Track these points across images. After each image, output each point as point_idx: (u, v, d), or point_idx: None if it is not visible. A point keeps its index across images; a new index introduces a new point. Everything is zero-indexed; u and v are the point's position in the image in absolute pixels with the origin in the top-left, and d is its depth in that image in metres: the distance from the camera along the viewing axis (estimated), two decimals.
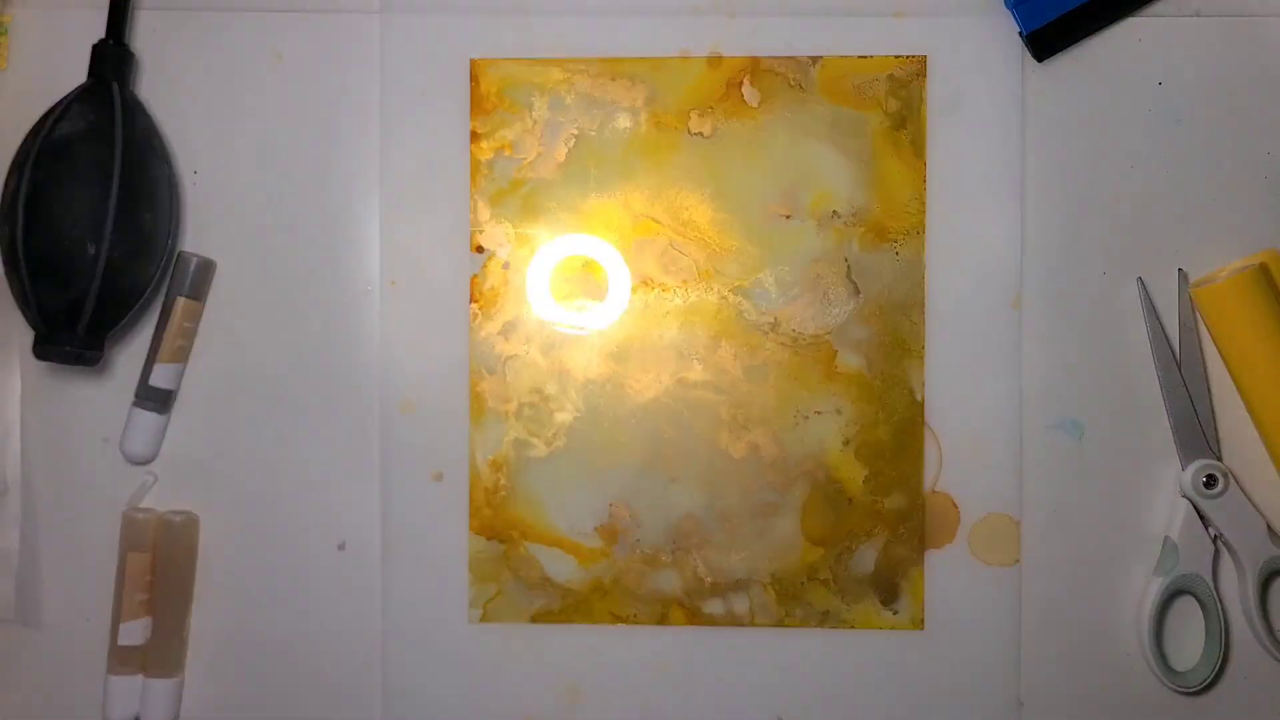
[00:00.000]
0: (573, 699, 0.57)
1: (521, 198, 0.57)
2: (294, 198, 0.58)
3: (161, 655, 0.56)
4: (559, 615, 0.56)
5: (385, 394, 0.57)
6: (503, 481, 0.57)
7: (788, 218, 0.56)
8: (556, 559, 0.57)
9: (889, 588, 0.56)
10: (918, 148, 0.55)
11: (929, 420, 0.55)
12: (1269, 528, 0.54)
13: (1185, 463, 0.55)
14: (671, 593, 0.56)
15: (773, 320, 0.56)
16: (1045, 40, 0.56)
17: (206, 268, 0.57)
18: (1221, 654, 0.55)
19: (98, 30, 0.56)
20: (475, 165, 0.57)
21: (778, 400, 0.56)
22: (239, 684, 0.57)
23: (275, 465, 0.57)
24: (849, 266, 0.56)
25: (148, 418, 0.57)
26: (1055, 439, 0.56)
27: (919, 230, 0.55)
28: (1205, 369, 0.55)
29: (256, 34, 0.58)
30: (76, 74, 0.55)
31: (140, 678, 0.56)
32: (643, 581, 0.56)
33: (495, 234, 0.57)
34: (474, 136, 0.56)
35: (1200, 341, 0.55)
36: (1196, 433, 0.55)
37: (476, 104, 0.56)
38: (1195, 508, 0.55)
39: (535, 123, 0.57)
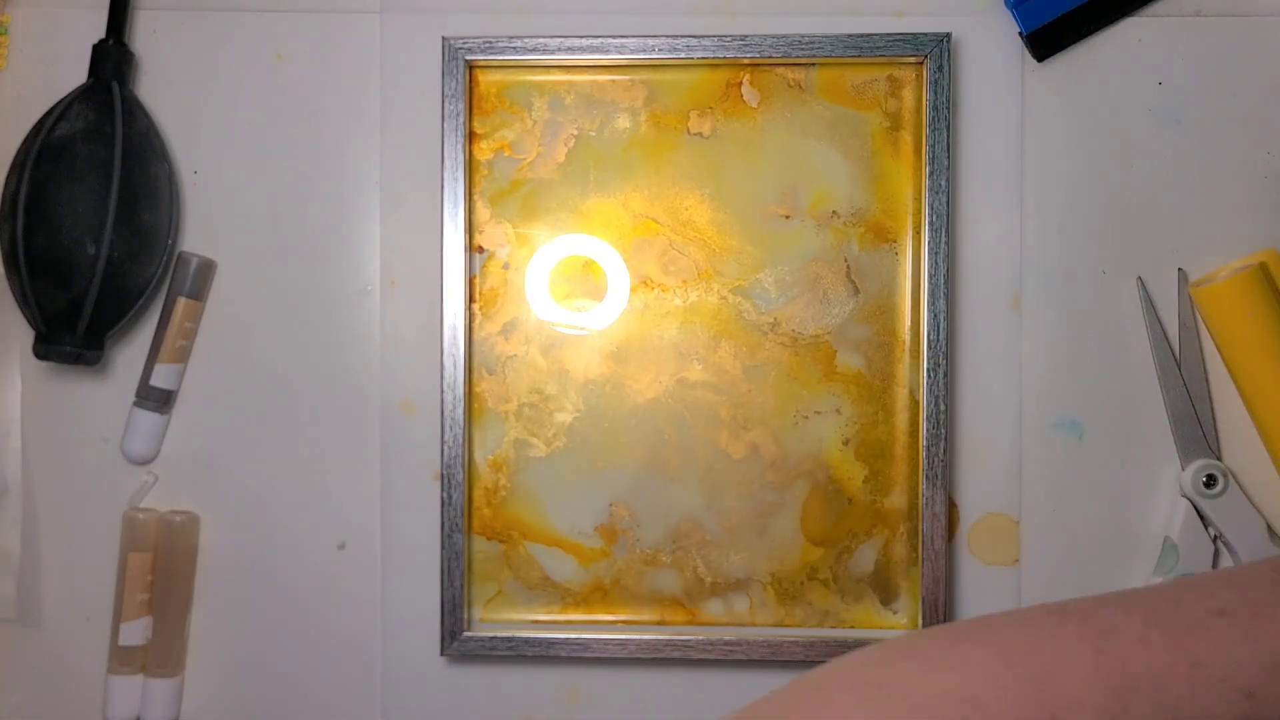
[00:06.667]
0: (573, 699, 0.57)
1: (521, 198, 0.57)
2: (294, 198, 0.58)
3: (161, 655, 0.56)
4: (559, 615, 0.56)
5: (385, 394, 0.57)
6: (503, 481, 0.57)
7: (787, 218, 0.56)
8: (556, 559, 0.57)
9: (888, 588, 0.56)
10: (917, 148, 0.55)
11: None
12: (1269, 528, 0.54)
13: (1185, 463, 0.55)
14: (671, 593, 0.56)
15: (772, 320, 0.56)
16: (1045, 40, 0.56)
17: (206, 268, 0.57)
18: None
19: (98, 30, 0.56)
20: (475, 165, 0.57)
21: (778, 400, 0.56)
22: (239, 684, 0.58)
23: (275, 465, 0.57)
24: (848, 266, 0.56)
25: (148, 418, 0.57)
26: (1055, 439, 0.56)
27: (918, 230, 0.55)
28: (1205, 369, 0.55)
29: (256, 34, 0.58)
30: (76, 74, 0.55)
31: (140, 678, 0.56)
32: (643, 581, 0.56)
33: (495, 234, 0.57)
34: (474, 136, 0.56)
35: (1200, 341, 0.55)
36: (1196, 433, 0.55)
37: (476, 104, 0.56)
38: (1195, 508, 0.55)
39: (535, 123, 0.57)
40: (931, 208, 0.54)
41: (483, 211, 0.57)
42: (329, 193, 0.58)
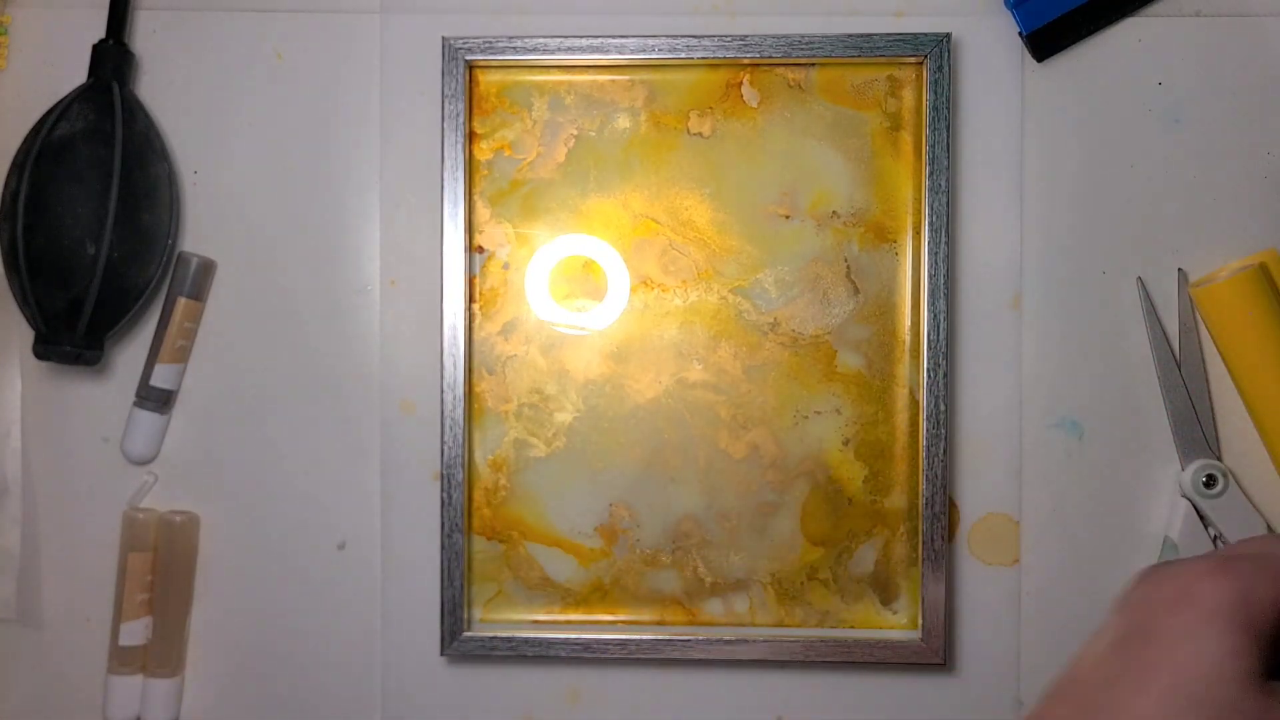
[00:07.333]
0: (573, 699, 0.57)
1: (521, 198, 0.57)
2: (294, 198, 0.58)
3: (161, 655, 0.56)
4: (559, 615, 0.56)
5: (385, 394, 0.57)
6: (503, 481, 0.57)
7: (787, 218, 0.56)
8: (556, 559, 0.57)
9: (888, 588, 0.56)
10: (917, 148, 0.55)
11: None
12: (1269, 528, 0.54)
13: (1185, 463, 0.55)
14: (671, 593, 0.56)
15: (772, 320, 0.56)
16: (1045, 40, 0.56)
17: (206, 268, 0.57)
18: None
19: (98, 30, 0.56)
20: (475, 165, 0.57)
21: (777, 400, 0.56)
22: (239, 684, 0.58)
23: (275, 465, 0.57)
24: (848, 266, 0.56)
25: (148, 418, 0.57)
26: (1055, 439, 0.56)
27: (918, 230, 0.55)
28: (1205, 369, 0.55)
29: (256, 34, 0.58)
30: (76, 74, 0.56)
31: (140, 678, 0.56)
32: (643, 581, 0.56)
33: (495, 234, 0.57)
34: (474, 136, 0.56)
35: (1200, 341, 0.55)
36: (1196, 433, 0.55)
37: (476, 104, 0.56)
38: (1195, 508, 0.55)
39: (535, 123, 0.57)
40: (931, 208, 0.54)
41: (483, 211, 0.57)
42: (329, 193, 0.58)
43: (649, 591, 0.56)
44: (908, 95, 0.56)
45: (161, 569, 0.56)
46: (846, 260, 0.56)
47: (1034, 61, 0.56)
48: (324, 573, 0.57)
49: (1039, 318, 0.56)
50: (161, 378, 0.57)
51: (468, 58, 0.55)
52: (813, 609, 0.56)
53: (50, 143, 0.53)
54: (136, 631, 0.56)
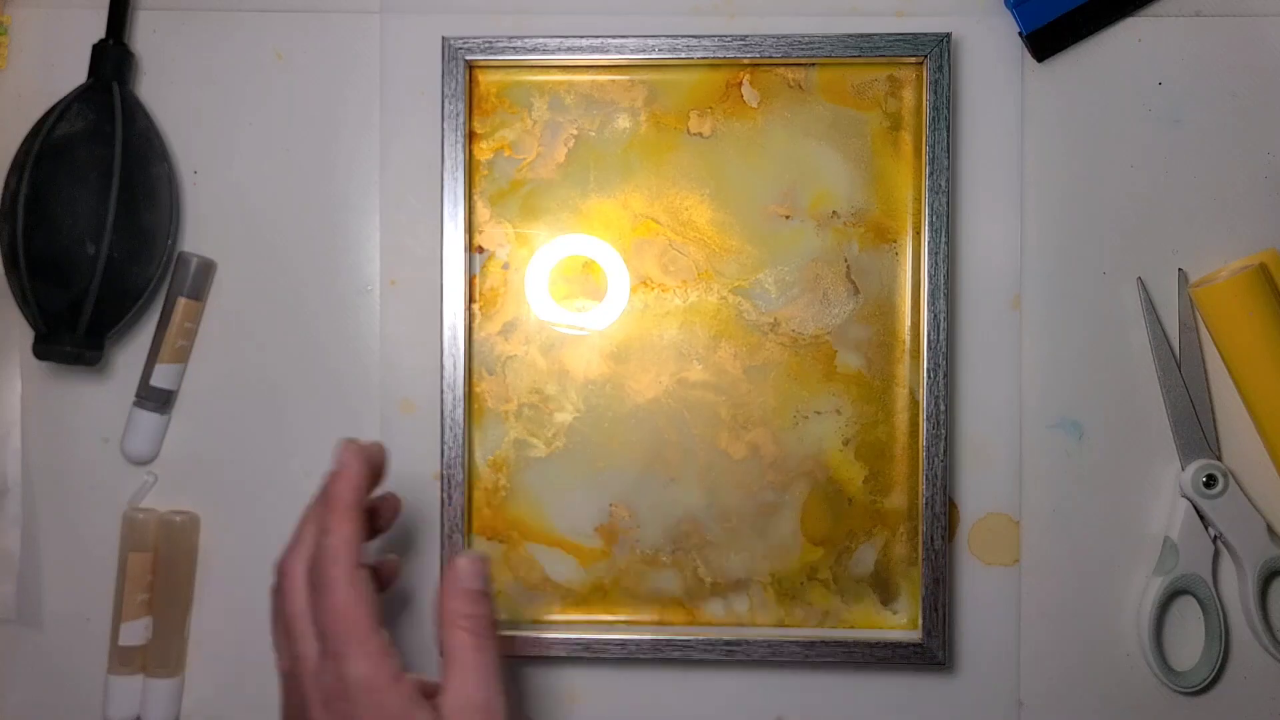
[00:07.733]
0: (572, 699, 0.57)
1: (521, 198, 0.57)
2: (294, 198, 0.58)
3: (161, 655, 0.56)
4: (559, 615, 0.56)
5: (385, 394, 0.57)
6: (503, 482, 0.57)
7: (787, 218, 0.56)
8: (556, 559, 0.57)
9: (888, 588, 0.56)
10: (917, 148, 0.55)
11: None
12: (1269, 528, 0.54)
13: (1185, 463, 0.55)
14: (671, 593, 0.56)
15: (772, 320, 0.56)
16: (1045, 40, 0.56)
17: (206, 268, 0.57)
18: (1221, 654, 0.55)
19: (98, 30, 0.56)
20: (475, 165, 0.57)
21: (777, 400, 0.56)
22: (239, 684, 0.57)
23: (275, 465, 0.57)
24: (848, 266, 0.56)
25: (148, 418, 0.57)
26: (1055, 439, 0.56)
27: (918, 230, 0.55)
28: (1205, 369, 0.55)
29: (256, 34, 0.58)
30: (76, 74, 0.56)
31: (140, 678, 0.56)
32: (643, 582, 0.56)
33: (495, 234, 0.57)
34: (474, 136, 0.56)
35: (1200, 341, 0.55)
36: (1196, 433, 0.55)
37: (476, 104, 0.56)
38: (1195, 508, 0.55)
39: (535, 123, 0.57)
40: (931, 208, 0.54)
41: (483, 211, 0.57)
42: (329, 193, 0.58)
43: (649, 592, 0.56)
44: (908, 95, 0.56)
45: (161, 569, 0.56)
46: (846, 260, 0.56)
47: (1034, 61, 0.56)
48: None
49: (1039, 318, 0.56)
50: (161, 378, 0.57)
51: (468, 58, 0.55)
52: (813, 609, 0.56)
53: (50, 143, 0.53)
54: (136, 631, 0.56)
